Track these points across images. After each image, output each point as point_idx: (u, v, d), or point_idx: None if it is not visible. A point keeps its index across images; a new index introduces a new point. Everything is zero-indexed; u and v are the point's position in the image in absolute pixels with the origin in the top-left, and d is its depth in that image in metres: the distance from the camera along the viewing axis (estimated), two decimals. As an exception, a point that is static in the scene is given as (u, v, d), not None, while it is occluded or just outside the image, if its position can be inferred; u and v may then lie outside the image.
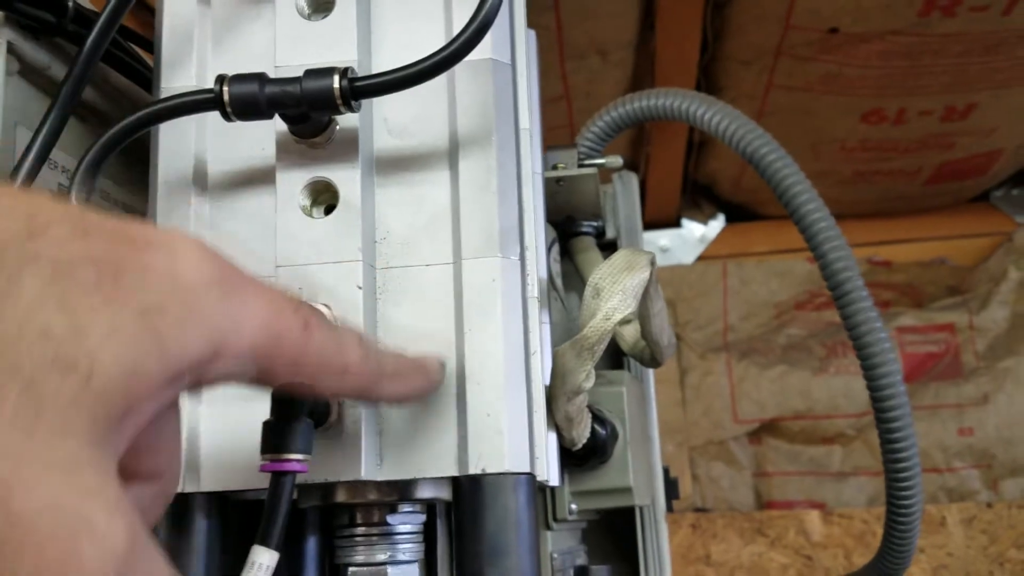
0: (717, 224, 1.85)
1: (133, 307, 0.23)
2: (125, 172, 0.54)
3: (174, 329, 0.24)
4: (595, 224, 0.74)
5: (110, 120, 0.51)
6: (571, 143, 0.72)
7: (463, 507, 0.40)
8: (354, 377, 0.32)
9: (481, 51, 0.41)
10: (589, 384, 0.49)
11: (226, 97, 0.38)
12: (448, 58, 0.38)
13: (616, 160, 0.69)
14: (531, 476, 0.40)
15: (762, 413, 1.71)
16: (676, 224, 1.86)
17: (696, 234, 1.86)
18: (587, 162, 0.68)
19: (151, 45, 0.46)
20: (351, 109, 0.38)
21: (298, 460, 0.34)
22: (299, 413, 0.35)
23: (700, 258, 1.84)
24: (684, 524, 1.61)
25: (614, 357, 0.71)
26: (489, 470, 0.39)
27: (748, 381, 1.73)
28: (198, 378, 0.26)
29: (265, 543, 0.33)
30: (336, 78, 0.38)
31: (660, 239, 1.86)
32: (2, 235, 0.22)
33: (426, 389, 0.39)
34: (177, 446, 0.30)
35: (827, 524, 1.59)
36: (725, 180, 1.70)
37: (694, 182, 1.75)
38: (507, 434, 0.39)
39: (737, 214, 1.84)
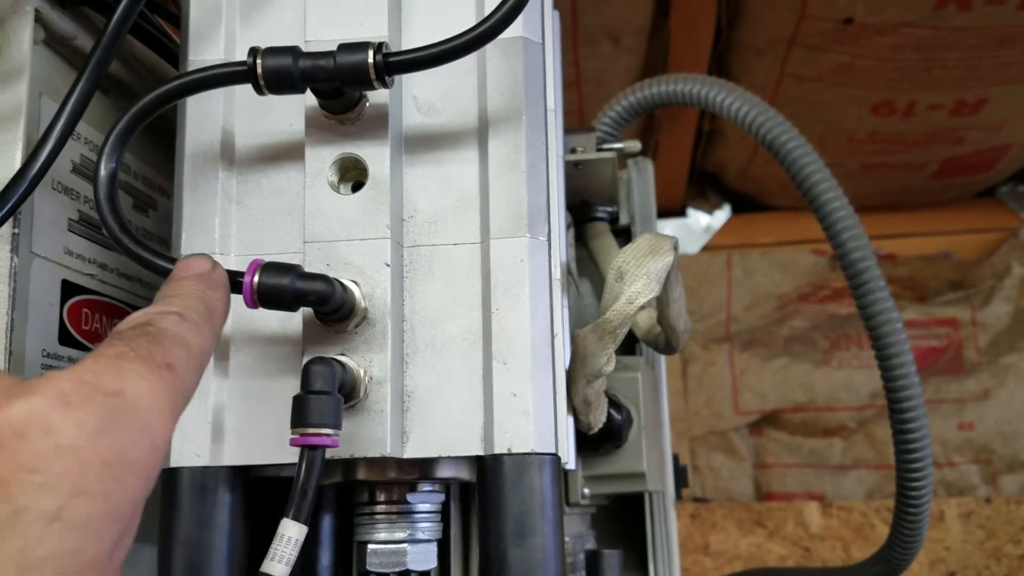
0: (722, 214, 1.85)
1: None
2: (148, 147, 0.54)
3: None
4: (610, 210, 0.74)
5: (134, 94, 0.51)
6: (588, 127, 0.72)
7: (488, 486, 0.39)
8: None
9: (513, 29, 0.40)
10: (610, 368, 0.49)
11: (259, 70, 0.37)
12: (484, 34, 0.37)
13: (635, 145, 0.68)
14: (556, 457, 0.40)
15: (763, 404, 1.72)
16: (681, 214, 1.86)
17: (701, 224, 1.86)
18: (606, 146, 0.68)
19: (178, 19, 0.46)
20: (384, 84, 0.38)
21: (329, 435, 0.34)
22: (331, 387, 0.34)
23: (705, 248, 1.84)
24: (683, 514, 1.62)
25: (626, 343, 0.70)
26: (515, 450, 0.39)
27: (750, 372, 1.73)
28: None
29: (295, 517, 0.33)
30: (370, 52, 0.37)
31: (665, 228, 1.86)
32: None
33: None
34: None
35: (826, 516, 1.59)
36: (733, 169, 1.70)
37: (701, 171, 1.75)
38: (533, 414, 0.39)
39: (743, 204, 1.84)
